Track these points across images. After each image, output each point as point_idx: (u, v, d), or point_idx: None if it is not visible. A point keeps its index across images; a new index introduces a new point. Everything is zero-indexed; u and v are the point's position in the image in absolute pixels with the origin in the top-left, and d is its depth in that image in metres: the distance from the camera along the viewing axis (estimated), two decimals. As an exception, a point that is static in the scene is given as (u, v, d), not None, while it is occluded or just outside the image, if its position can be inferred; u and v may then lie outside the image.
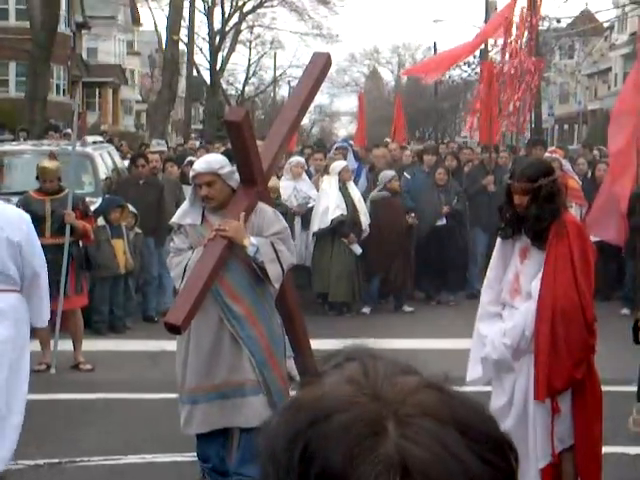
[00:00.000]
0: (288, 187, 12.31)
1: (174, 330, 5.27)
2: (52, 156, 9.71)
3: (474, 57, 36.32)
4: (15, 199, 9.99)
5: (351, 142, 17.80)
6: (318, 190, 12.47)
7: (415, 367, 1.00)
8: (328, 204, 12.00)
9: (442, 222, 13.00)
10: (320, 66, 5.99)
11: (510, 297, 5.40)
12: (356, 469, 0.89)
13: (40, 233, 9.18)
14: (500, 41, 17.44)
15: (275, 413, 0.99)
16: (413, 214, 12.64)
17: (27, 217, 6.31)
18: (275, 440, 0.95)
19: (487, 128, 14.37)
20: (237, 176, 5.63)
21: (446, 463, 0.90)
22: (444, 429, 0.92)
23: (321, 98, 66.03)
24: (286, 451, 0.93)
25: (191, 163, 14.30)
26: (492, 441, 0.95)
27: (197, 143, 24.27)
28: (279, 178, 12.48)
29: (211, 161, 5.71)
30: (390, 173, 12.64)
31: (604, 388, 5.60)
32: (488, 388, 5.69)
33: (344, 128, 74.85)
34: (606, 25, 45.34)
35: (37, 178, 9.55)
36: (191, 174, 5.74)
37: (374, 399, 0.93)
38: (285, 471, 0.93)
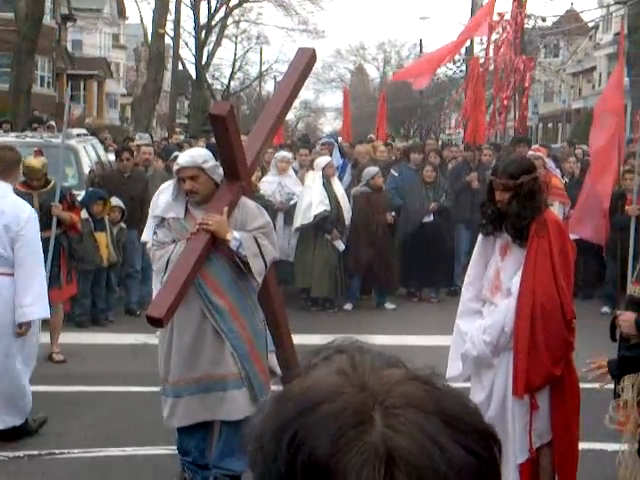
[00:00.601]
0: (273, 182, 12.32)
1: (156, 323, 5.29)
2: (38, 153, 9.64)
3: (459, 54, 36.42)
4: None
5: (338, 138, 17.80)
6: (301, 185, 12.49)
7: (402, 360, 1.03)
8: (311, 200, 12.01)
9: (429, 219, 13.05)
10: (305, 61, 6.01)
11: (490, 294, 5.44)
12: (342, 458, 0.91)
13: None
14: (485, 39, 17.50)
15: (264, 404, 1.01)
16: (394, 213, 12.65)
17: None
18: (263, 430, 0.97)
19: (473, 126, 14.42)
20: (221, 170, 5.65)
21: (430, 452, 0.92)
22: (429, 420, 0.94)
23: (306, 94, 66.06)
24: (274, 440, 0.95)
25: (176, 158, 14.33)
26: (476, 432, 0.97)
27: (182, 137, 24.22)
28: (264, 173, 12.50)
29: (195, 155, 5.72)
30: (374, 169, 12.66)
31: (583, 385, 5.65)
32: (468, 384, 5.73)
33: (329, 124, 74.91)
34: (591, 25, 45.52)
35: (23, 173, 9.52)
36: (175, 168, 5.76)
37: (361, 390, 0.96)
38: (272, 460, 0.95)
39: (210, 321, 5.58)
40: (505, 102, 15.70)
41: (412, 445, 0.92)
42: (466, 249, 12.81)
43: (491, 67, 16.49)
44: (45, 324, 9.06)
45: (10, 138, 15.03)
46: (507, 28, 15.78)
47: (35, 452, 6.65)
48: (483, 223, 5.50)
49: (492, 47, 15.86)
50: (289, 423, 0.95)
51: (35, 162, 9.43)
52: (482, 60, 16.47)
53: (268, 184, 12.27)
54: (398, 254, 13.10)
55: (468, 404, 1.00)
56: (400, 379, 0.98)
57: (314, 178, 12.24)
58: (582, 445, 5.55)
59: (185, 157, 5.74)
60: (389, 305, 12.64)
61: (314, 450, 0.92)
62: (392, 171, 13.68)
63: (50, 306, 8.98)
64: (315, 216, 11.96)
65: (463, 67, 38.31)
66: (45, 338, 9.12)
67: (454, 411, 0.97)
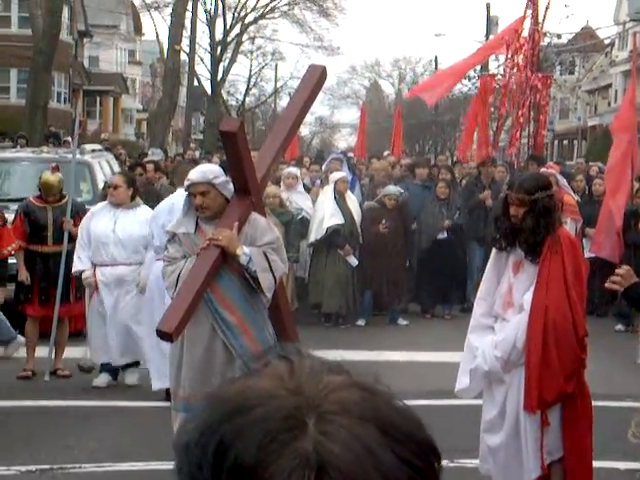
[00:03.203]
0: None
1: (166, 338, 5.30)
2: (55, 169, 9.69)
3: (474, 71, 36.46)
4: (14, 206, 10.02)
5: (349, 154, 17.81)
6: (314, 201, 12.50)
7: (344, 367, 0.98)
8: (324, 214, 12.03)
9: (443, 236, 13.03)
10: (315, 78, 6.03)
11: (502, 309, 5.42)
12: (271, 464, 0.87)
13: (42, 241, 9.31)
14: (502, 56, 17.49)
15: (197, 408, 0.96)
16: (386, 223, 12.42)
17: None
18: (190, 434, 0.93)
19: (484, 142, 14.40)
20: (231, 186, 5.67)
21: (363, 461, 0.88)
22: (364, 427, 0.90)
23: (321, 110, 66.17)
24: (200, 444, 0.91)
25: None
26: (414, 442, 0.92)
27: (197, 153, 24.30)
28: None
29: (206, 171, 5.75)
30: (393, 189, 12.58)
31: (596, 403, 5.62)
32: (479, 401, 5.71)
33: (344, 140, 75.02)
34: (607, 42, 45.50)
35: (39, 189, 9.57)
36: (186, 183, 5.78)
37: (295, 394, 0.92)
38: (197, 466, 0.91)
39: (220, 336, 5.58)
40: (520, 120, 15.65)
41: (345, 453, 0.88)
42: (479, 266, 12.77)
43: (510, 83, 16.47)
44: (46, 339, 9.09)
45: (26, 154, 15.11)
46: (524, 46, 15.75)
47: (47, 466, 6.65)
48: (497, 238, 5.49)
49: (509, 64, 15.85)
50: (216, 426, 0.90)
51: (52, 178, 9.48)
52: (498, 77, 16.46)
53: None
54: (411, 271, 13.08)
55: (408, 413, 0.95)
56: (338, 385, 0.93)
57: (326, 193, 12.27)
58: (594, 463, 5.51)
59: (196, 173, 5.77)
60: (402, 321, 12.61)
61: (241, 454, 0.88)
62: (398, 187, 13.68)
63: (59, 321, 9.09)
64: (327, 229, 11.96)
65: (478, 84, 38.33)
66: (43, 352, 9.14)
67: (392, 420, 0.92)
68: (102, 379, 8.87)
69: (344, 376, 0.96)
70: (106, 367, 8.90)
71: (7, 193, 11.93)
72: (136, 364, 8.91)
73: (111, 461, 6.83)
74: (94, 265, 8.71)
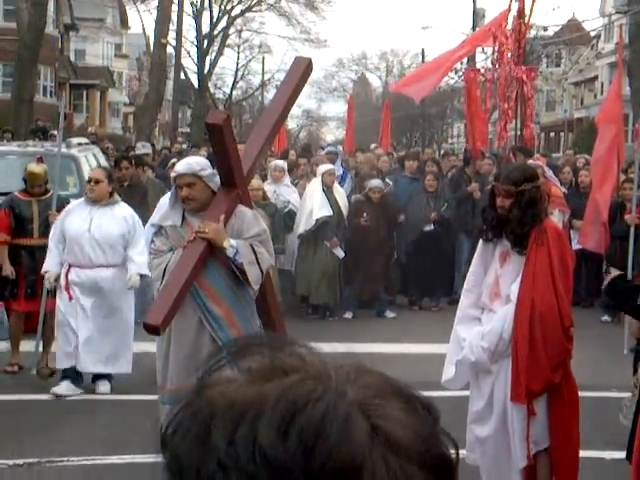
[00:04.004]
0: (269, 191, 12.35)
1: (153, 331, 5.30)
2: (40, 160, 9.67)
3: (461, 64, 36.45)
4: (0, 200, 9.99)
5: (339, 147, 17.83)
6: (302, 194, 12.51)
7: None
8: (312, 206, 12.05)
9: (430, 228, 13.05)
10: (301, 71, 6.03)
11: (489, 301, 5.44)
12: (359, 454, 0.90)
13: (28, 233, 9.25)
14: (488, 49, 17.46)
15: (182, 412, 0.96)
16: (365, 216, 12.42)
17: None
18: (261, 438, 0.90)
19: (480, 136, 14.39)
20: (218, 179, 5.67)
21: (417, 432, 0.93)
22: (398, 402, 0.95)
23: (309, 103, 66.10)
24: (280, 442, 0.90)
25: (174, 166, 14.38)
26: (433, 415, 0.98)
27: (184, 146, 24.25)
28: (264, 180, 12.51)
29: (192, 163, 5.75)
30: (376, 183, 12.62)
31: (583, 393, 5.65)
32: (465, 392, 5.73)
33: (331, 133, 75.06)
34: (593, 34, 45.57)
35: (24, 180, 9.53)
36: (172, 175, 5.78)
37: (320, 376, 0.94)
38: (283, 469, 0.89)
39: (207, 328, 5.58)
40: (509, 112, 15.65)
41: (400, 427, 0.92)
42: (466, 258, 12.80)
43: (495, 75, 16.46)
44: (32, 334, 9.00)
45: (12, 147, 15.07)
46: (509, 38, 15.75)
47: (34, 460, 6.65)
48: (483, 229, 5.51)
49: (494, 57, 15.85)
50: (295, 431, 0.89)
51: (37, 168, 9.46)
52: (483, 70, 16.45)
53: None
54: (399, 263, 13.11)
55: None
56: (360, 371, 0.97)
57: (314, 185, 12.28)
58: (580, 453, 5.54)
59: (182, 165, 5.77)
60: (389, 314, 12.63)
61: (337, 452, 0.89)
62: (387, 180, 13.71)
63: (46, 315, 8.94)
64: (317, 220, 11.98)
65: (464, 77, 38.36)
66: (29, 347, 9.05)
67: (412, 393, 0.98)
68: (64, 387, 8.27)
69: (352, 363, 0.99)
70: (69, 373, 8.30)
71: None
72: (108, 376, 8.46)
73: (99, 454, 6.83)
74: (69, 265, 8.26)
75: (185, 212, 5.71)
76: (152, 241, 5.88)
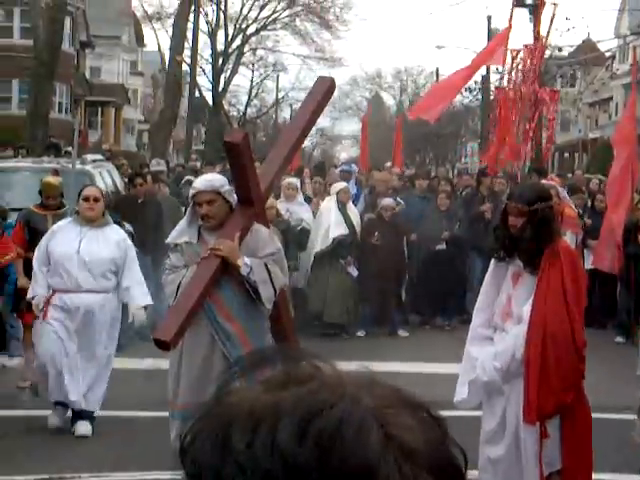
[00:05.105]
0: (281, 209, 12.36)
1: (163, 346, 5.31)
2: (55, 173, 9.78)
3: (475, 83, 36.47)
4: (15, 215, 10.05)
5: (354, 166, 17.84)
6: (316, 212, 12.53)
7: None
8: (329, 223, 12.08)
9: (442, 247, 13.05)
10: (323, 90, 6.05)
11: (502, 320, 5.43)
12: (375, 460, 0.92)
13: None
14: (501, 68, 17.43)
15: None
16: (376, 235, 12.44)
17: None
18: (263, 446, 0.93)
19: (496, 154, 14.36)
20: (235, 196, 5.69)
21: (431, 440, 0.96)
22: (412, 413, 0.98)
23: (323, 121, 66.08)
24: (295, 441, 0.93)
25: (189, 182, 14.45)
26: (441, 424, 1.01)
27: (198, 164, 24.30)
28: (277, 198, 12.54)
29: (212, 180, 5.78)
30: (388, 202, 12.63)
31: (596, 415, 5.62)
32: (478, 413, 5.71)
33: (345, 151, 75.07)
34: (608, 54, 45.55)
35: (40, 193, 9.58)
36: (191, 192, 5.79)
37: (340, 387, 0.97)
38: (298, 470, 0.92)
39: (219, 345, 5.58)
40: (530, 134, 15.61)
41: (413, 436, 0.95)
42: (479, 277, 12.76)
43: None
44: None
45: (27, 163, 15.16)
46: (529, 60, 15.72)
47: (45, 476, 6.65)
48: (495, 247, 5.50)
49: (512, 76, 15.81)
50: (315, 433, 0.92)
51: (52, 179, 9.58)
52: (506, 89, 16.42)
53: (277, 210, 12.33)
54: (411, 282, 13.09)
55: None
56: (373, 382, 1.01)
57: (329, 203, 12.31)
58: (594, 475, 5.50)
59: (202, 182, 5.78)
60: (402, 332, 12.62)
61: (353, 456, 0.92)
62: (398, 199, 13.72)
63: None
64: (334, 239, 12.00)
65: (479, 96, 38.37)
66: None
67: (422, 403, 1.01)
68: (58, 418, 7.73)
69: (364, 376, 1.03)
70: (62, 404, 7.73)
71: (8, 202, 11.92)
72: (90, 415, 7.73)
73: (110, 470, 6.83)
74: (53, 291, 7.58)
75: (201, 229, 5.72)
76: (168, 257, 5.90)
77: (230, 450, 0.94)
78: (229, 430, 0.95)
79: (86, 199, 7.68)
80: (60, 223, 7.94)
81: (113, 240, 7.65)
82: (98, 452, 7.25)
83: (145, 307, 7.70)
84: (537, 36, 15.99)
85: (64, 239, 7.60)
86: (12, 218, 10.14)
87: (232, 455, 0.94)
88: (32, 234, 9.37)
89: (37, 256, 7.69)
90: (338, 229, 12.05)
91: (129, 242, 7.86)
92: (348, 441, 0.92)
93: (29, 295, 7.75)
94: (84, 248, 7.52)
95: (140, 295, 7.61)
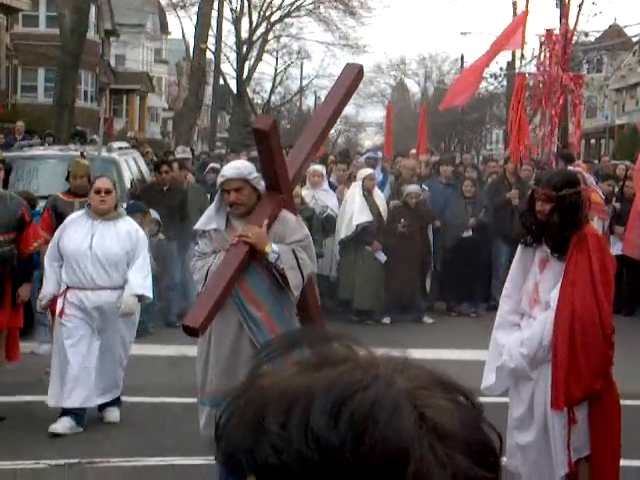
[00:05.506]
0: (307, 196, 12.37)
1: (192, 333, 5.34)
2: (82, 156, 9.86)
3: (500, 69, 36.28)
4: (42, 203, 10.12)
5: (380, 153, 17.81)
6: (342, 200, 12.54)
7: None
8: (353, 210, 12.09)
9: (468, 234, 13.03)
10: (351, 77, 6.04)
11: (529, 307, 5.42)
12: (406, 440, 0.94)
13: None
14: (528, 53, 17.33)
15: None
16: (403, 221, 12.44)
17: None
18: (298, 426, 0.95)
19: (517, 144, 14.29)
20: (263, 182, 5.70)
21: (463, 421, 0.97)
22: (445, 393, 1.00)
23: (347, 109, 65.79)
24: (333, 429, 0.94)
25: (213, 170, 14.49)
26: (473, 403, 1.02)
27: (222, 151, 24.37)
28: (302, 186, 12.56)
29: (240, 167, 5.79)
30: (413, 188, 12.62)
31: (625, 402, 5.60)
32: (505, 399, 5.70)
33: (369, 139, 74.95)
34: (635, 40, 45.16)
35: (67, 179, 9.63)
36: (219, 180, 5.80)
37: (371, 367, 0.99)
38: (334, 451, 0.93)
39: (247, 332, 5.61)
40: (555, 120, 15.50)
41: (448, 417, 0.96)
42: (504, 264, 12.75)
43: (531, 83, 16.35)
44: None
45: (53, 151, 15.25)
46: (555, 45, 15.60)
47: (75, 460, 6.72)
48: (522, 233, 5.49)
49: (537, 62, 15.70)
50: (346, 414, 0.94)
51: (81, 161, 9.63)
52: (528, 75, 16.32)
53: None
54: (436, 269, 13.08)
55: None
56: (406, 364, 1.02)
57: (354, 190, 12.31)
58: (623, 462, 5.49)
59: (230, 169, 5.79)
60: (427, 319, 12.62)
61: (387, 437, 0.93)
62: (423, 186, 13.70)
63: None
64: (357, 226, 12.01)
65: (504, 82, 38.18)
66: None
67: (457, 384, 1.03)
68: (62, 424, 7.27)
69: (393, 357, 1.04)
70: (68, 410, 7.34)
71: (35, 190, 12.01)
72: (116, 401, 7.68)
73: (140, 455, 6.89)
74: (67, 287, 7.35)
75: (229, 216, 5.74)
76: (196, 244, 5.93)
77: (264, 431, 0.95)
78: (263, 411, 0.96)
79: (97, 191, 7.44)
80: (72, 216, 7.70)
81: (126, 232, 7.39)
82: (128, 437, 7.31)
83: (140, 297, 7.40)
84: (564, 21, 15.86)
85: (76, 234, 7.38)
86: (40, 205, 10.23)
87: (266, 436, 0.95)
88: (59, 221, 9.41)
89: (48, 251, 7.48)
90: (362, 216, 12.05)
91: (141, 233, 7.61)
92: (381, 423, 0.93)
93: (40, 296, 7.51)
94: (96, 243, 7.30)
95: (138, 284, 7.34)
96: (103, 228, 7.36)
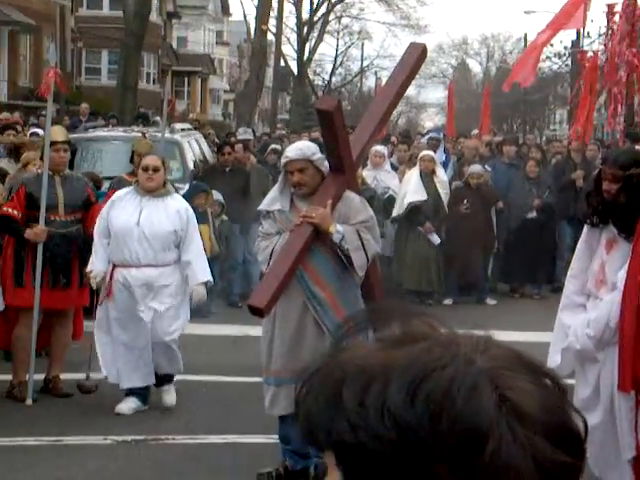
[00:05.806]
0: (369, 176, 12.34)
1: (257, 313, 5.37)
2: (144, 137, 10.01)
3: (565, 48, 35.76)
4: (107, 183, 10.26)
5: (442, 134, 17.69)
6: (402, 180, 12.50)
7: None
8: (407, 190, 12.04)
9: (532, 215, 12.91)
10: (415, 57, 6.01)
11: (595, 288, 5.36)
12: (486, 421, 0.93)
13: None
14: (593, 32, 17.03)
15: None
16: (467, 203, 12.39)
17: None
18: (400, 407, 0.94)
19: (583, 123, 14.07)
20: (327, 163, 5.71)
21: (545, 404, 0.96)
22: (527, 375, 0.99)
23: (408, 89, 65.59)
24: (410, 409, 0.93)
25: (274, 151, 14.53)
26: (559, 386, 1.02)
27: (283, 132, 24.43)
28: (363, 167, 12.53)
29: (303, 148, 5.79)
30: (476, 169, 12.53)
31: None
32: (570, 381, 5.66)
33: (430, 119, 74.46)
34: None
35: (131, 160, 9.72)
36: (283, 160, 5.81)
37: (451, 346, 0.98)
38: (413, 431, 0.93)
39: (311, 312, 5.63)
40: (619, 98, 15.21)
41: (530, 400, 0.95)
42: (569, 245, 12.62)
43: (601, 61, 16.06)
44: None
45: (117, 133, 15.44)
46: (618, 20, 15.29)
47: (141, 437, 6.83)
48: (589, 213, 5.42)
49: (608, 38, 15.41)
50: (425, 392, 0.93)
51: (143, 140, 9.71)
52: (590, 54, 16.06)
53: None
54: (498, 251, 12.99)
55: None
56: (487, 344, 1.01)
57: (412, 170, 12.28)
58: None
59: (293, 150, 5.80)
60: (490, 301, 12.54)
61: (469, 417, 0.92)
62: (486, 167, 13.58)
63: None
64: (409, 204, 11.93)
65: (569, 61, 37.64)
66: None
67: (542, 366, 1.03)
68: (128, 404, 7.33)
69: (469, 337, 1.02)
70: (133, 389, 7.39)
71: (100, 171, 12.17)
72: (170, 379, 7.59)
73: (203, 433, 6.98)
74: (114, 265, 7.26)
75: (293, 197, 5.76)
76: (260, 224, 5.96)
77: (342, 408, 0.95)
78: (341, 387, 0.96)
79: (145, 169, 7.30)
80: (119, 193, 7.57)
81: (175, 211, 7.27)
82: (192, 415, 7.41)
83: (205, 283, 7.39)
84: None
85: (124, 211, 7.25)
86: (105, 186, 10.36)
87: (343, 413, 0.95)
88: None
89: (97, 228, 7.33)
90: (415, 195, 11.96)
91: (191, 212, 7.51)
92: (459, 403, 0.92)
93: (88, 268, 7.38)
94: (144, 220, 7.17)
95: (200, 271, 7.27)
96: (151, 205, 7.25)
